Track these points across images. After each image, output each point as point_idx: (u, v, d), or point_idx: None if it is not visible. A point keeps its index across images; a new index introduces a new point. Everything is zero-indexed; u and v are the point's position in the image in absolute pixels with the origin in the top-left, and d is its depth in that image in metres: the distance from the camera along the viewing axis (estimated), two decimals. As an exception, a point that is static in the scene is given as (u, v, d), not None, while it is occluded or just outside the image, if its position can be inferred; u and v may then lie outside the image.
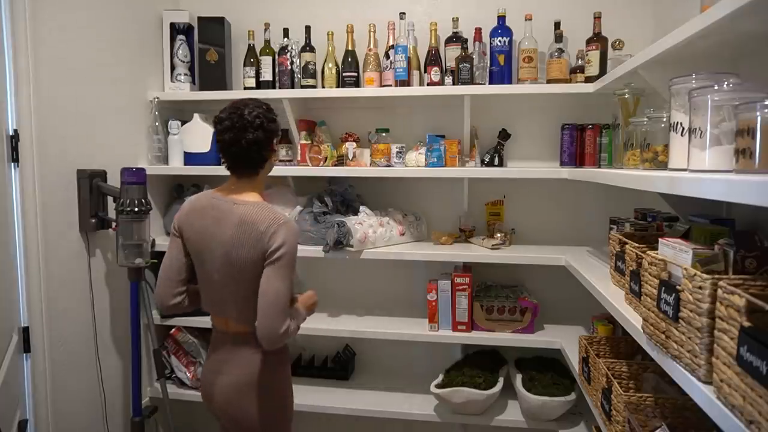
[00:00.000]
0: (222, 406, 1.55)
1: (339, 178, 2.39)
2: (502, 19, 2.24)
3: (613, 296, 1.47)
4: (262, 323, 1.41)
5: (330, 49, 2.38)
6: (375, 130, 2.31)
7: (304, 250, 2.26)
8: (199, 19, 2.47)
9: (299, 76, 2.42)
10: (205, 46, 2.47)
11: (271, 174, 2.31)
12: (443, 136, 2.30)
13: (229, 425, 1.57)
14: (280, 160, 2.46)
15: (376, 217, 2.26)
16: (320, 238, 2.20)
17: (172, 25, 2.47)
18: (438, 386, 2.14)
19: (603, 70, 2.10)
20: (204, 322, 2.36)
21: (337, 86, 2.38)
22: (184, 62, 2.48)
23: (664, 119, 1.35)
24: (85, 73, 2.03)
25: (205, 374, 1.63)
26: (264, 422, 1.54)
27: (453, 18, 2.29)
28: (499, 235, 2.26)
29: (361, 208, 2.27)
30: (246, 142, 1.47)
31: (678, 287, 0.98)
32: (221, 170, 2.40)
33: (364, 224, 2.18)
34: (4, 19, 1.68)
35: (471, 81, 2.20)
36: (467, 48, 2.23)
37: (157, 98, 2.41)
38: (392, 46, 2.28)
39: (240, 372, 1.53)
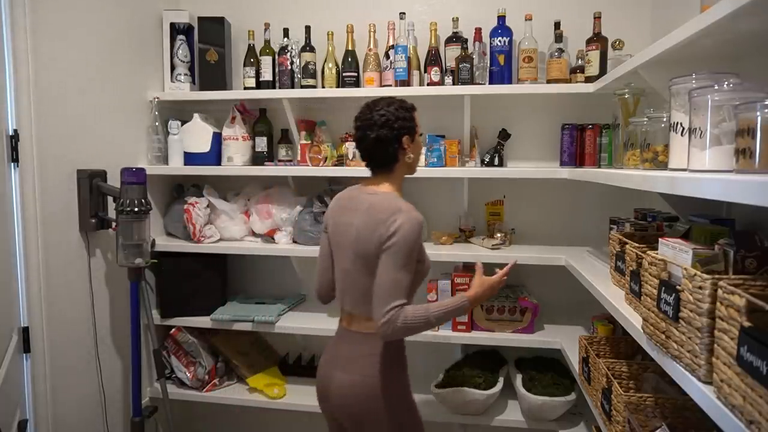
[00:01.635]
0: (340, 405, 1.53)
1: (339, 178, 2.39)
2: (502, 19, 2.24)
3: (613, 296, 1.47)
4: (373, 312, 1.42)
5: (330, 49, 2.38)
6: (375, 130, 2.30)
7: (304, 250, 2.26)
8: (199, 19, 2.46)
9: (299, 76, 2.42)
10: (205, 46, 2.46)
11: (270, 174, 2.35)
12: (443, 136, 2.30)
13: (351, 426, 1.53)
14: (279, 160, 2.47)
15: (376, 217, 2.26)
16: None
17: (172, 25, 2.47)
18: (438, 386, 2.14)
19: (603, 70, 2.10)
20: (204, 322, 2.36)
21: (337, 86, 2.38)
22: (184, 62, 2.48)
23: (664, 119, 1.35)
24: (85, 73, 2.03)
25: (322, 369, 1.60)
26: (392, 426, 1.51)
27: (453, 18, 2.29)
28: (499, 235, 2.26)
29: (361, 208, 2.27)
30: (371, 140, 1.52)
31: (678, 287, 0.98)
32: (221, 170, 2.43)
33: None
34: (4, 19, 1.68)
35: (471, 81, 2.20)
36: (467, 48, 2.23)
37: (157, 98, 2.40)
38: (392, 46, 2.28)
39: (358, 371, 1.51)
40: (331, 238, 1.60)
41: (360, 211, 1.51)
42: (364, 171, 2.28)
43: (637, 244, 1.35)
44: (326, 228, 1.64)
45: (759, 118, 0.83)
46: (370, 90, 2.29)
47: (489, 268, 2.39)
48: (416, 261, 1.47)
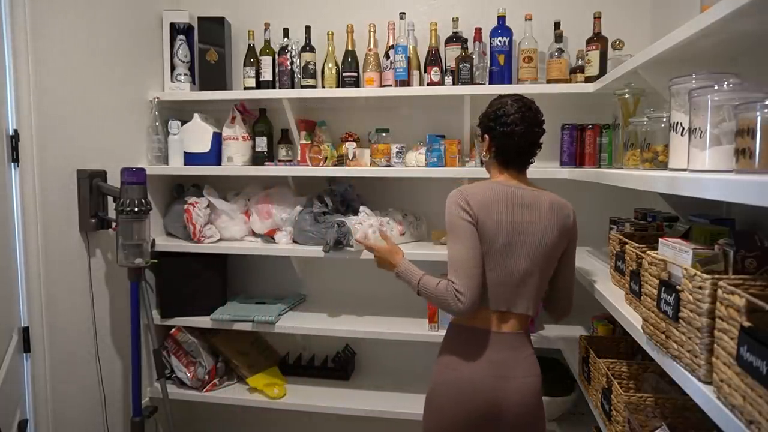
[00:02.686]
0: (516, 414, 1.43)
1: (339, 178, 2.39)
2: (502, 19, 2.24)
3: (613, 296, 1.47)
4: (566, 305, 1.60)
5: (330, 49, 2.38)
6: (375, 130, 2.31)
7: (304, 250, 2.26)
8: (199, 19, 2.46)
9: (299, 76, 2.42)
10: (205, 46, 2.46)
11: (270, 174, 2.35)
12: (443, 136, 2.30)
13: None
14: (279, 160, 2.47)
15: (376, 217, 2.26)
16: (320, 238, 2.20)
17: (172, 25, 2.47)
18: (438, 386, 2.13)
19: (603, 70, 2.10)
20: (204, 322, 2.36)
21: (337, 86, 2.38)
22: (184, 62, 2.48)
23: (664, 119, 1.35)
24: (85, 73, 2.03)
25: (486, 384, 1.44)
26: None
27: (453, 18, 2.29)
28: (499, 235, 2.25)
29: (361, 208, 2.27)
30: (533, 137, 1.52)
31: (678, 287, 0.98)
32: (221, 170, 2.43)
33: (364, 224, 2.18)
34: (3, 19, 1.68)
35: (471, 81, 2.20)
36: (467, 48, 2.23)
37: (157, 98, 2.40)
38: (392, 46, 2.28)
39: (523, 373, 1.46)
40: (494, 235, 1.43)
41: (543, 208, 1.47)
42: (364, 171, 2.30)
43: (637, 244, 1.35)
44: (475, 222, 1.44)
45: (759, 118, 0.83)
46: (370, 90, 2.29)
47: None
48: None
